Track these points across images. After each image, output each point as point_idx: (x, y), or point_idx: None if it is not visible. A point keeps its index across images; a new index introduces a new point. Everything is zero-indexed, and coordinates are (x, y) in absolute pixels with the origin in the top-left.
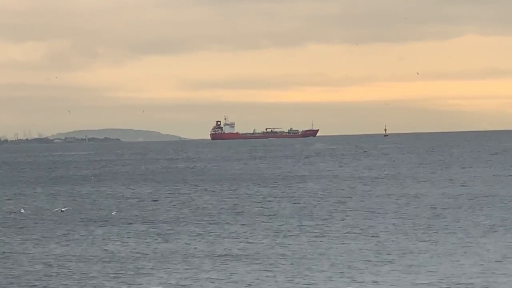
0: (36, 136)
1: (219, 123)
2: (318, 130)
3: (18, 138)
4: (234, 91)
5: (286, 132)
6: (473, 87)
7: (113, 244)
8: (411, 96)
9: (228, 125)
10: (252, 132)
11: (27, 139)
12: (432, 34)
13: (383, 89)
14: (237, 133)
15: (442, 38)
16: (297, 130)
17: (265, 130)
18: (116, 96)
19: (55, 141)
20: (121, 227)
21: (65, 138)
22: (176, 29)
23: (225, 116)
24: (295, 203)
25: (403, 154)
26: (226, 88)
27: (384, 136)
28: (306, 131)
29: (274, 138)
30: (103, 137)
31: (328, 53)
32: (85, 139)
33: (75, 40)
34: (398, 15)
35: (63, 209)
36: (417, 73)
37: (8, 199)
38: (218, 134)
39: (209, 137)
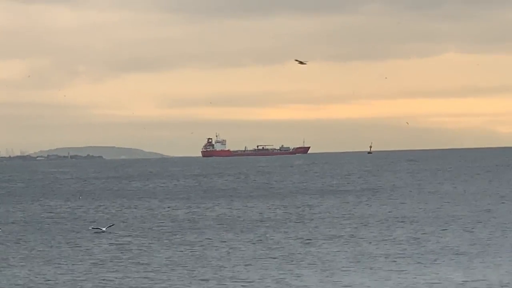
0: (19, 154)
1: (210, 140)
2: (309, 147)
3: (0, 156)
4: (216, 109)
5: (278, 149)
6: (454, 105)
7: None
8: (394, 114)
9: (219, 142)
10: (243, 149)
11: (9, 157)
12: (413, 52)
13: (367, 106)
14: (229, 150)
15: (423, 56)
16: (289, 147)
17: (256, 148)
18: (97, 114)
19: (37, 158)
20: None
21: (48, 155)
22: (156, 47)
23: (216, 133)
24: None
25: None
26: (207, 105)
27: (368, 153)
28: (297, 148)
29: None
30: (85, 155)
31: (309, 71)
32: (67, 157)
33: (55, 58)
34: (379, 33)
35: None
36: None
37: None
38: (209, 151)
39: (199, 155)
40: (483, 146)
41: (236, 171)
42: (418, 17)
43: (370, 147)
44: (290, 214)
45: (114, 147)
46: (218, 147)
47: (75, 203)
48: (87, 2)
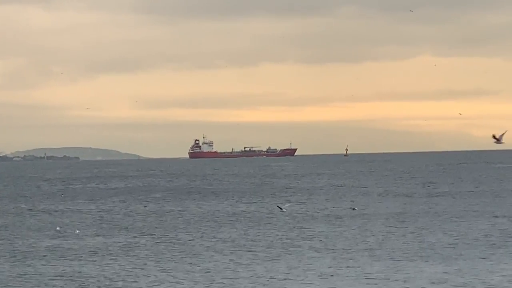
0: None
1: (197, 142)
2: (296, 149)
3: None
4: (192, 110)
5: (265, 151)
6: (430, 108)
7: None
8: (369, 117)
9: (206, 144)
10: (230, 151)
11: None
12: (388, 55)
13: (341, 109)
14: (216, 151)
15: (398, 59)
16: (276, 149)
17: (243, 149)
18: (73, 115)
19: (14, 159)
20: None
21: (24, 156)
22: (132, 48)
23: (203, 135)
24: None
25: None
26: (183, 107)
27: (345, 156)
28: (284, 150)
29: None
30: (62, 155)
31: (283, 73)
32: (44, 157)
33: (31, 58)
34: (352, 36)
35: None
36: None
37: None
38: (196, 153)
39: (186, 156)
40: (457, 149)
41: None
42: (393, 20)
43: (346, 150)
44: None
45: (90, 148)
46: (205, 148)
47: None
48: (62, 3)
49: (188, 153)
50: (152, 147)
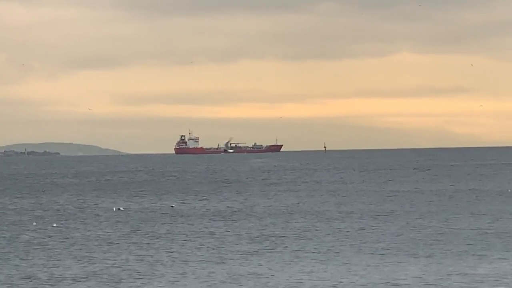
0: None
1: (183, 137)
2: (282, 145)
3: None
4: (170, 106)
5: (251, 147)
6: (409, 105)
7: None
8: (348, 113)
9: (192, 139)
10: (216, 147)
11: None
12: (367, 52)
13: (321, 106)
14: (202, 147)
15: (377, 56)
16: (261, 145)
17: (229, 145)
18: (53, 110)
19: None
20: None
21: (4, 151)
22: (111, 44)
23: (189, 130)
24: None
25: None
26: (164, 103)
27: (324, 152)
28: (270, 146)
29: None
30: (42, 151)
31: (262, 70)
32: (24, 153)
33: (9, 54)
34: (331, 32)
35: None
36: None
37: None
38: (182, 148)
39: (172, 152)
40: (438, 146)
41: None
42: (372, 17)
43: (325, 146)
44: None
45: (71, 143)
46: (191, 144)
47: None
48: None
49: (174, 148)
50: (133, 143)
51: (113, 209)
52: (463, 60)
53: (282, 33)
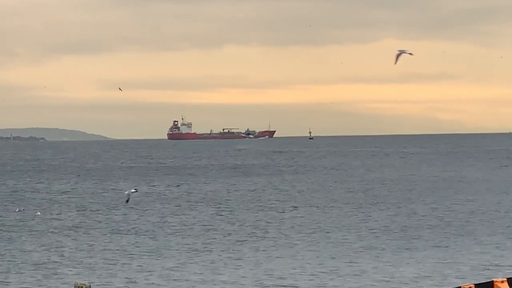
0: None
1: (176, 123)
2: (275, 131)
3: None
4: (155, 92)
5: (243, 133)
6: (394, 91)
7: None
8: (333, 99)
9: (185, 125)
10: (209, 132)
11: None
12: (350, 38)
13: (306, 92)
14: (195, 133)
15: (360, 42)
16: (254, 131)
17: (222, 131)
18: (38, 96)
19: None
20: None
21: None
22: (95, 30)
23: (182, 116)
24: None
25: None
26: (148, 88)
27: (309, 139)
28: (263, 132)
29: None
30: (28, 136)
31: (246, 56)
32: (10, 138)
33: None
34: (316, 19)
35: None
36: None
37: None
38: (175, 134)
39: (165, 137)
40: (423, 133)
41: None
42: (357, 3)
43: (310, 132)
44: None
45: (57, 129)
46: (184, 130)
47: None
48: None
49: (167, 134)
50: (119, 129)
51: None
52: (447, 47)
53: (266, 19)
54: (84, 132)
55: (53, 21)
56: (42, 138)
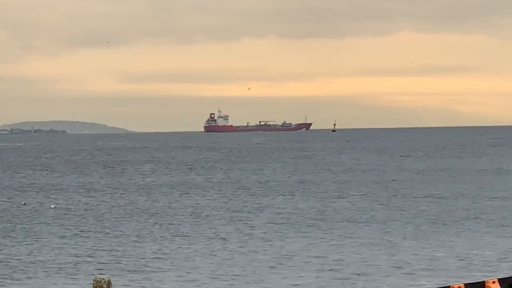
0: None
1: (212, 115)
2: (311, 123)
3: None
4: (175, 85)
5: (280, 125)
6: (412, 84)
7: None
8: (354, 92)
9: (222, 117)
10: (246, 125)
11: None
12: (368, 31)
13: (325, 84)
14: (231, 125)
15: (378, 35)
16: (291, 124)
17: (258, 123)
18: (58, 89)
19: (0, 132)
20: None
21: (11, 129)
22: (112, 23)
23: (219, 108)
24: None
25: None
26: (166, 81)
27: (333, 131)
28: (299, 124)
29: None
30: (49, 129)
31: (264, 48)
32: (31, 131)
33: (11, 32)
34: (333, 11)
35: None
36: None
37: None
38: (212, 126)
39: (202, 129)
40: (445, 125)
41: None
42: None
43: (334, 125)
44: None
45: (77, 121)
46: (220, 122)
47: None
48: None
49: (204, 126)
50: (140, 121)
51: None
52: (465, 39)
53: (283, 11)
54: (105, 125)
55: (70, 14)
56: (63, 131)
